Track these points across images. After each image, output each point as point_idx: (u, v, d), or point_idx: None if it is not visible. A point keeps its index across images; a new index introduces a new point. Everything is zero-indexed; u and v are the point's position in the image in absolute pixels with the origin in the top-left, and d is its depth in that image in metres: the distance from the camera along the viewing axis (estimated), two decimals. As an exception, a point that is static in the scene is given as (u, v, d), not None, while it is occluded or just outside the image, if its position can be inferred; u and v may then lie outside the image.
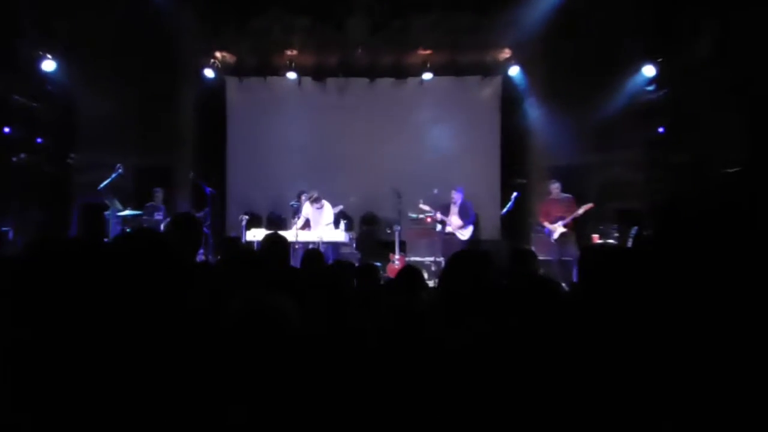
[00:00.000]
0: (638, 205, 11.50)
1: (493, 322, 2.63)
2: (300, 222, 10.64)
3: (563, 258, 10.49)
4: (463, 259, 3.18)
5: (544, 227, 10.84)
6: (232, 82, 13.64)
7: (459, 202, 11.16)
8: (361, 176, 13.06)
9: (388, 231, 12.24)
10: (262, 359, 2.13)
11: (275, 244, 4.59)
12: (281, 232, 5.04)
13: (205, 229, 11.15)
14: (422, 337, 2.43)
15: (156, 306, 2.11)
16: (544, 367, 2.27)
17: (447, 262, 3.30)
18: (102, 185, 10.43)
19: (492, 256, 3.40)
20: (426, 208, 11.22)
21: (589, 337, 2.33)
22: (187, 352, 2.05)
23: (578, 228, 10.82)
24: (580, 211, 10.41)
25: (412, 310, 2.53)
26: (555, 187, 10.84)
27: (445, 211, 11.20)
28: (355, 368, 2.37)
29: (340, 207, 11.16)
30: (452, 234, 11.12)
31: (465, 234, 11.13)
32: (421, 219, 11.55)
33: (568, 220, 10.49)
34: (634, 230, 10.56)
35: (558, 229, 10.60)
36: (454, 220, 11.15)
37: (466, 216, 11.15)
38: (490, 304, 3.12)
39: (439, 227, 11.28)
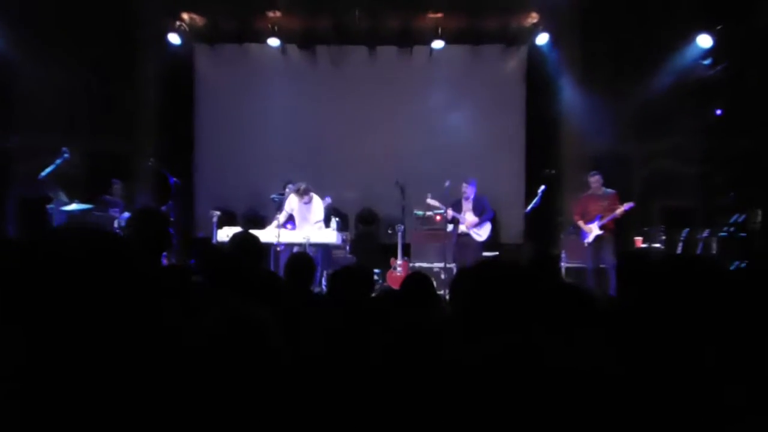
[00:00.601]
0: (690, 203, 11.52)
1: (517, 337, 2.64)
2: (282, 217, 10.60)
3: (600, 265, 10.46)
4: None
5: (580, 228, 10.80)
6: (202, 50, 13.62)
7: (472, 196, 11.15)
8: (357, 166, 13.05)
9: (390, 232, 12.29)
10: (241, 386, 2.13)
11: (244, 246, 4.61)
12: (259, 232, 5.02)
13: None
14: (438, 357, 2.44)
15: (106, 327, 2.10)
16: (574, 392, 2.28)
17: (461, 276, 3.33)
18: (44, 173, 10.27)
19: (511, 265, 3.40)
20: (434, 203, 11.19)
21: (628, 361, 2.34)
22: (150, 379, 2.05)
23: (619, 230, 10.78)
24: (618, 211, 10.38)
25: (427, 325, 2.54)
26: (595, 179, 10.75)
27: (457, 208, 11.18)
28: (357, 395, 2.38)
29: (328, 200, 11.13)
30: (466, 235, 11.11)
31: (481, 234, 11.12)
32: (429, 217, 11.53)
33: (605, 220, 10.45)
34: (684, 233, 10.61)
35: (594, 230, 10.57)
36: (468, 218, 11.14)
37: (481, 212, 11.14)
38: (514, 319, 3.15)
39: (450, 227, 11.24)
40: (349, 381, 2.61)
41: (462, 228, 11.14)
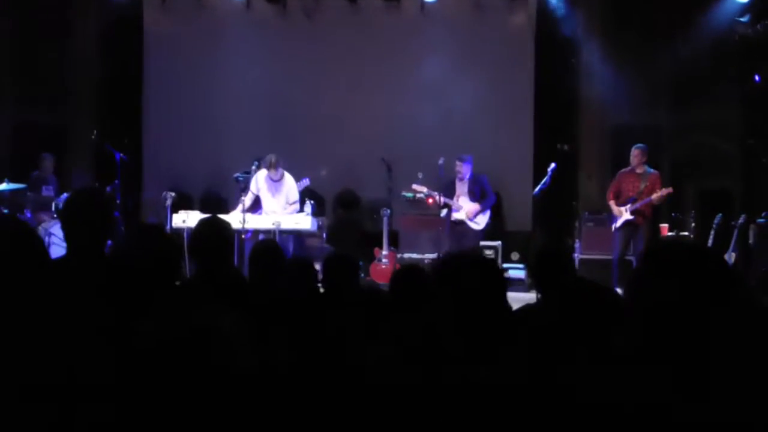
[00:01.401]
0: (727, 185, 11.66)
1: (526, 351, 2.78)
2: (248, 200, 10.68)
3: (627, 257, 10.65)
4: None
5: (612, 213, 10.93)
6: (151, 5, 13.64)
7: (467, 176, 11.32)
8: (335, 139, 13.13)
9: (375, 217, 12.35)
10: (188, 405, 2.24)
11: (213, 234, 4.54)
12: (222, 216, 4.99)
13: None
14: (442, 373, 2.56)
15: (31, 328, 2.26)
16: (589, 411, 2.45)
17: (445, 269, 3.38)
18: None
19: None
20: (420, 189, 11.39)
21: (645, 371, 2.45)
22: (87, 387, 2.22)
23: (656, 218, 11.02)
24: (655, 196, 10.50)
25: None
26: (636, 153, 10.80)
27: (449, 191, 11.34)
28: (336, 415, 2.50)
29: (306, 182, 11.22)
30: (462, 222, 11.31)
31: (479, 222, 11.33)
32: (420, 200, 11.61)
33: (638, 204, 10.57)
34: (717, 219, 10.74)
35: (623, 214, 10.69)
36: (463, 203, 11.32)
37: (481, 195, 11.31)
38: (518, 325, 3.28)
39: (444, 212, 11.38)
40: (329, 399, 2.73)
41: (457, 215, 11.32)
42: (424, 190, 11.35)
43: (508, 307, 3.17)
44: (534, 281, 4.67)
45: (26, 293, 2.35)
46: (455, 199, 11.30)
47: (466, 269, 2.86)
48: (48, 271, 2.46)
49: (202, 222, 4.63)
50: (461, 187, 11.35)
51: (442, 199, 11.18)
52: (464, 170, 11.29)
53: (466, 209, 11.27)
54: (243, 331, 2.37)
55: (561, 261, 4.63)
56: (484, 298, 2.83)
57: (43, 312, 2.41)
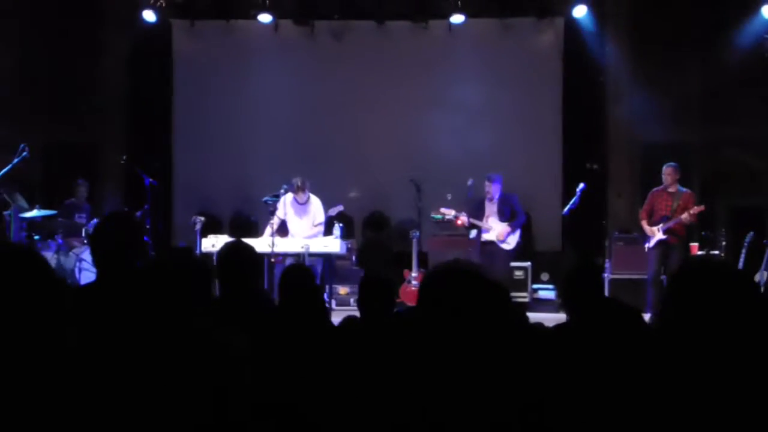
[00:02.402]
0: (759, 202, 11.68)
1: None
2: (276, 223, 10.68)
3: (662, 276, 10.53)
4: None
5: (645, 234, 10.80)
6: (180, 28, 13.75)
7: (497, 196, 11.28)
8: (364, 161, 13.19)
9: (404, 238, 12.29)
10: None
11: (237, 257, 4.54)
12: (250, 241, 4.97)
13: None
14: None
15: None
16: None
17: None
18: None
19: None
20: (448, 211, 11.35)
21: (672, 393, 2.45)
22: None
23: (690, 238, 10.90)
24: (684, 215, 10.37)
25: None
26: (669, 171, 10.66)
27: (479, 212, 11.29)
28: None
29: (340, 208, 11.20)
30: (492, 243, 11.24)
31: (510, 242, 11.26)
32: (450, 221, 11.59)
33: (670, 223, 10.45)
34: (749, 237, 10.62)
35: (656, 234, 10.56)
36: (493, 224, 11.25)
37: (511, 215, 11.26)
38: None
39: (473, 232, 11.35)
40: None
41: (487, 236, 11.25)
42: (452, 212, 11.31)
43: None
44: (562, 302, 4.60)
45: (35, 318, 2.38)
46: (485, 219, 11.24)
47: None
48: (62, 295, 2.48)
49: (226, 246, 4.65)
50: (490, 207, 11.30)
51: (471, 221, 11.15)
52: (493, 190, 11.25)
53: (496, 231, 11.19)
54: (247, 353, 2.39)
55: (588, 281, 4.54)
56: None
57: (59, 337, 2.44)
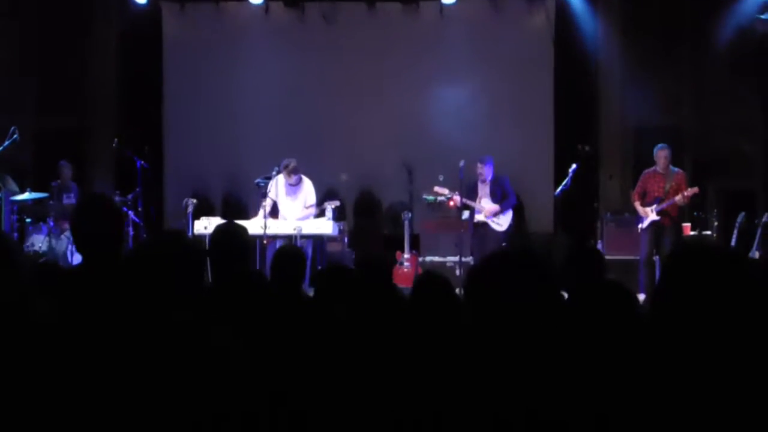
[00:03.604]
0: (749, 183, 11.75)
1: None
2: (268, 205, 10.69)
3: (654, 257, 10.59)
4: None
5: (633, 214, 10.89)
6: (170, 11, 13.65)
7: (489, 177, 11.28)
8: (356, 144, 13.18)
9: (396, 221, 12.30)
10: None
11: (229, 239, 4.53)
12: (242, 222, 4.97)
13: (134, 217, 11.26)
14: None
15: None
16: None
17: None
18: None
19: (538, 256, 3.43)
20: (442, 190, 11.32)
21: (662, 375, 2.44)
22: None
23: (682, 219, 10.90)
24: (678, 197, 10.41)
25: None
26: (663, 155, 10.67)
27: (472, 193, 11.29)
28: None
29: (336, 203, 11.13)
30: (484, 224, 11.24)
31: (502, 223, 11.26)
32: (442, 203, 11.57)
33: (664, 204, 10.48)
34: (740, 217, 10.66)
35: (649, 215, 10.59)
36: (485, 205, 11.26)
37: (502, 197, 11.27)
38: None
39: (466, 214, 11.31)
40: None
41: (479, 217, 11.25)
42: (446, 191, 11.27)
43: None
44: (563, 280, 4.52)
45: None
46: (477, 200, 11.23)
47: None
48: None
49: (218, 228, 4.65)
50: (483, 189, 11.31)
51: (463, 201, 11.12)
52: (486, 172, 11.25)
53: (486, 209, 11.19)
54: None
55: (593, 261, 4.60)
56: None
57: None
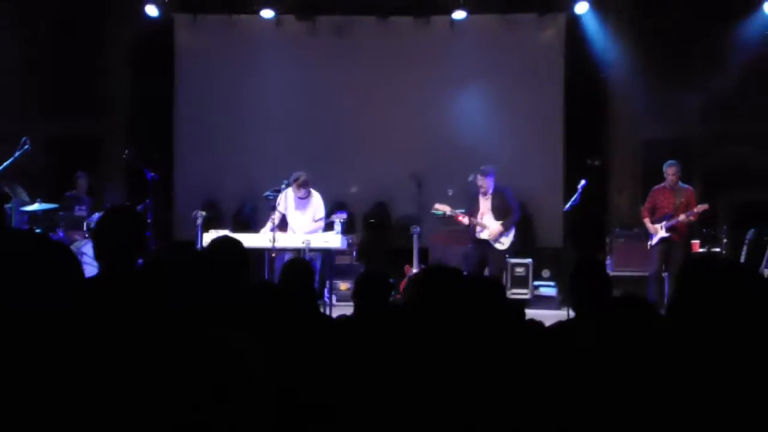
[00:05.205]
0: (759, 197, 11.70)
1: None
2: (277, 218, 10.61)
3: (663, 273, 10.59)
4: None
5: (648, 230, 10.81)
6: (183, 22, 13.77)
7: (490, 190, 10.93)
8: (365, 156, 13.24)
9: (405, 234, 12.03)
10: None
11: (224, 253, 4.51)
12: (251, 236, 4.94)
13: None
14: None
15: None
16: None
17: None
18: (0, 168, 10.39)
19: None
20: (443, 208, 11.17)
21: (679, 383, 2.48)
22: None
23: (692, 236, 10.92)
24: (682, 217, 10.40)
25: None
26: (672, 171, 10.64)
27: (473, 207, 11.00)
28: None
29: (343, 215, 11.03)
30: (486, 241, 10.95)
31: (504, 243, 10.99)
32: (451, 216, 11.51)
33: (673, 221, 10.45)
34: (750, 234, 10.61)
35: (659, 231, 10.58)
36: (488, 223, 10.93)
37: (505, 212, 10.92)
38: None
39: (476, 228, 11.09)
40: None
41: (482, 235, 10.96)
42: (447, 208, 11.15)
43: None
44: (570, 297, 4.62)
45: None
46: (479, 216, 10.95)
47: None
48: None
49: (213, 242, 4.70)
50: (485, 203, 11.00)
51: (467, 219, 10.94)
52: (487, 184, 10.92)
53: (490, 230, 10.91)
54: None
55: (599, 275, 4.57)
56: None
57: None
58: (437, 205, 11.25)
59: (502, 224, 10.89)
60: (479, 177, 10.95)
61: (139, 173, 11.39)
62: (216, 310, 3.25)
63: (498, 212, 10.93)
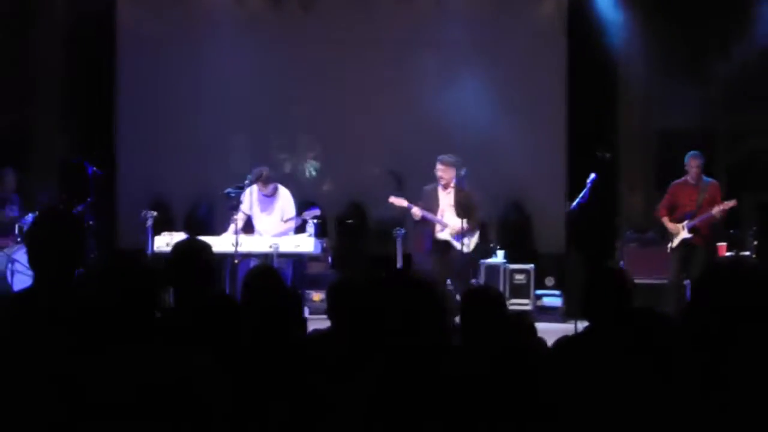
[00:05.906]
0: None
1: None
2: (240, 219, 10.51)
3: (684, 281, 10.37)
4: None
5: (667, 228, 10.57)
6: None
7: (453, 182, 10.50)
8: (339, 150, 13.20)
9: (386, 237, 11.88)
10: None
11: (189, 259, 4.44)
12: (211, 239, 4.85)
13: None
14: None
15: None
16: None
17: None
18: None
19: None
20: (399, 201, 10.74)
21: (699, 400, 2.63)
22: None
23: (716, 237, 10.74)
24: (715, 210, 10.15)
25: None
26: (695, 163, 10.43)
27: (430, 203, 10.63)
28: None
29: (316, 212, 10.88)
30: (447, 243, 10.58)
31: (469, 244, 10.54)
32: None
33: (697, 220, 10.21)
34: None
35: (680, 232, 10.30)
36: (449, 221, 10.53)
37: (469, 209, 10.41)
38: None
39: (443, 233, 10.74)
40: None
41: (442, 235, 10.61)
42: (404, 203, 10.70)
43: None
44: (583, 308, 4.42)
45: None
46: (439, 214, 10.58)
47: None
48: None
49: (176, 246, 4.69)
50: (445, 198, 10.62)
51: (424, 214, 10.49)
52: (449, 175, 10.55)
53: (451, 227, 10.53)
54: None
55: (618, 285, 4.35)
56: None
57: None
58: (392, 198, 10.87)
59: (468, 222, 10.38)
60: (440, 166, 10.56)
61: (77, 169, 11.26)
62: (168, 329, 3.51)
63: (462, 208, 10.43)
